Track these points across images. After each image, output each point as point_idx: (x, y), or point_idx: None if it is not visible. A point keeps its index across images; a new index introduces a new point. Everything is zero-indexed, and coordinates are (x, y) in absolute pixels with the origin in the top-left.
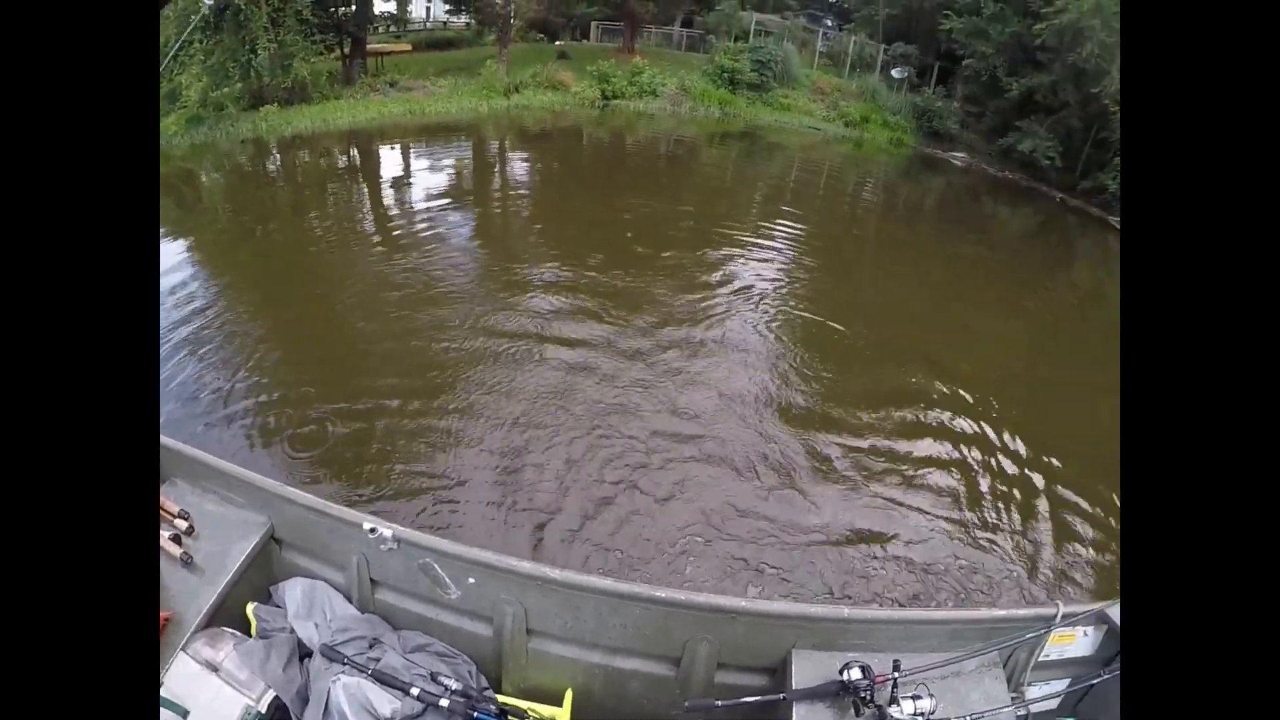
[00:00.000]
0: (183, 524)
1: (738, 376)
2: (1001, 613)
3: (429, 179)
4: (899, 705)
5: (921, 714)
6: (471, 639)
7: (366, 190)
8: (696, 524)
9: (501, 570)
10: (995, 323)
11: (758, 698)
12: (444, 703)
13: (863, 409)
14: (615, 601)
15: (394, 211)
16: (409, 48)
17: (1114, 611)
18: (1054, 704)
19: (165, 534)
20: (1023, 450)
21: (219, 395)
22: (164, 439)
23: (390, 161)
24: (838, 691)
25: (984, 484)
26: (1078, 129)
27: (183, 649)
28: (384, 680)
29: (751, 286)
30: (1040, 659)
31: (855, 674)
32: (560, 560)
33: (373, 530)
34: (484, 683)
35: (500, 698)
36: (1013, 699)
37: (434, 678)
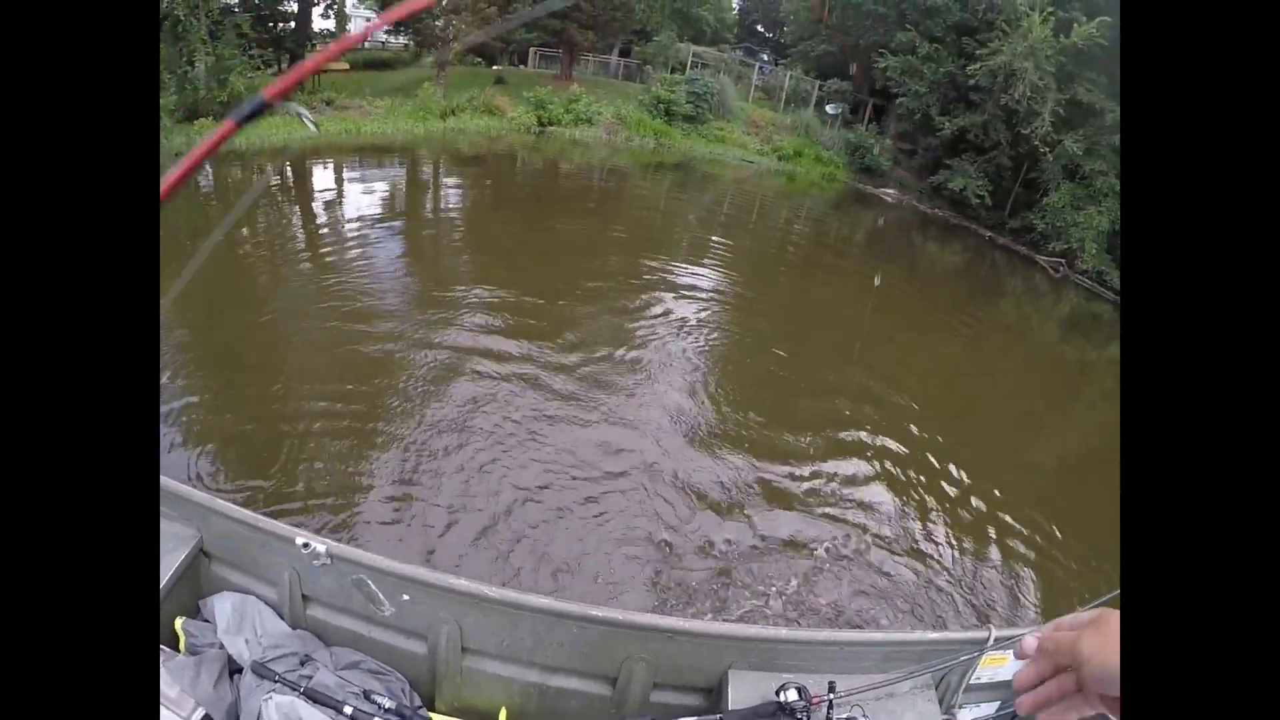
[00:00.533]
0: None
1: (662, 396)
2: (935, 635)
3: (362, 199)
4: None
5: None
6: (406, 656)
7: (298, 209)
8: (622, 541)
9: (437, 588)
10: (925, 352)
11: (694, 718)
12: None
13: (789, 431)
14: (552, 620)
15: (325, 230)
16: (347, 67)
17: None
18: None
19: None
20: (956, 474)
21: None
22: None
23: (323, 180)
24: (774, 712)
25: (912, 506)
26: (1007, 168)
27: None
28: (316, 699)
29: (675, 312)
30: (971, 681)
31: (791, 695)
32: (487, 569)
33: (305, 545)
34: (417, 701)
35: (434, 716)
36: None
37: (367, 696)
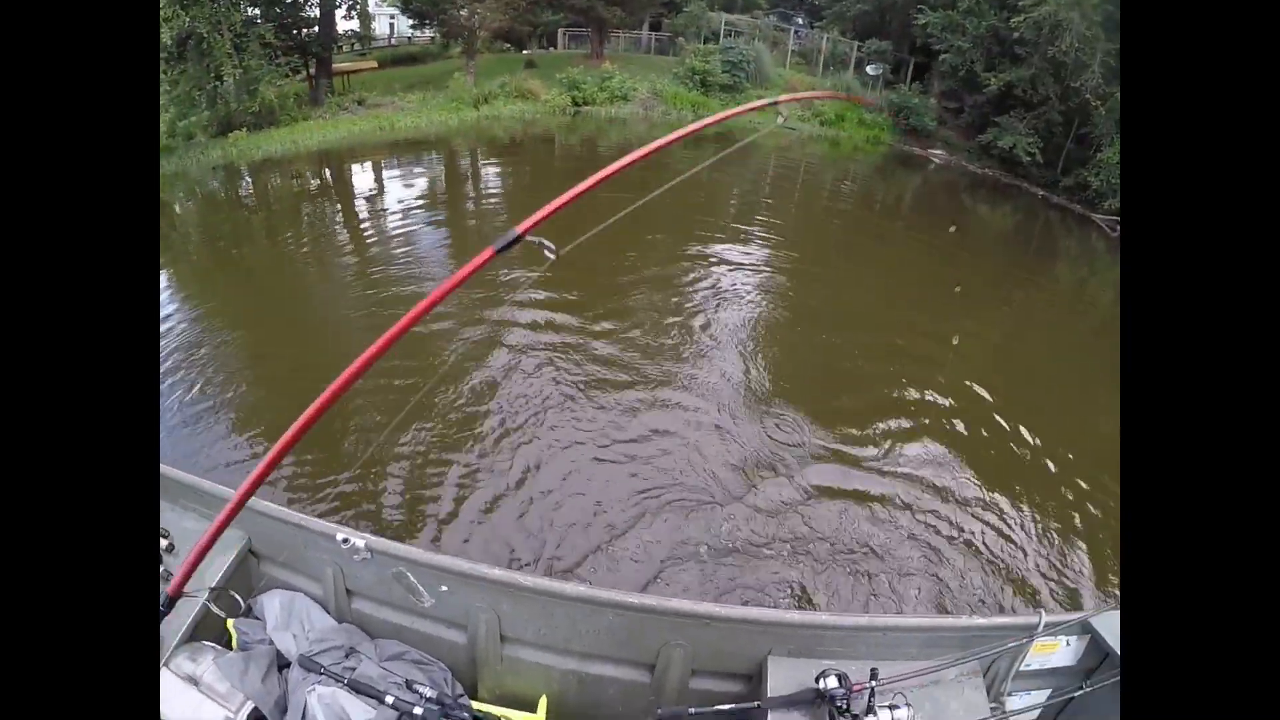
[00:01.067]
0: (164, 542)
1: (714, 371)
2: (982, 620)
3: (402, 193)
4: (875, 715)
5: None
6: (447, 646)
7: (340, 208)
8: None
9: (473, 578)
10: (982, 319)
11: (732, 705)
12: (418, 710)
13: (847, 402)
14: (588, 608)
15: (367, 227)
16: (375, 65)
17: (1098, 622)
18: (1033, 716)
19: None
20: (1016, 448)
21: (194, 415)
22: None
23: (362, 179)
24: (813, 700)
25: (970, 484)
26: (1058, 124)
27: (165, 664)
28: (359, 689)
29: (724, 281)
30: (1021, 669)
31: (831, 682)
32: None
33: (345, 541)
34: (459, 689)
35: (475, 704)
36: (992, 709)
37: (409, 685)
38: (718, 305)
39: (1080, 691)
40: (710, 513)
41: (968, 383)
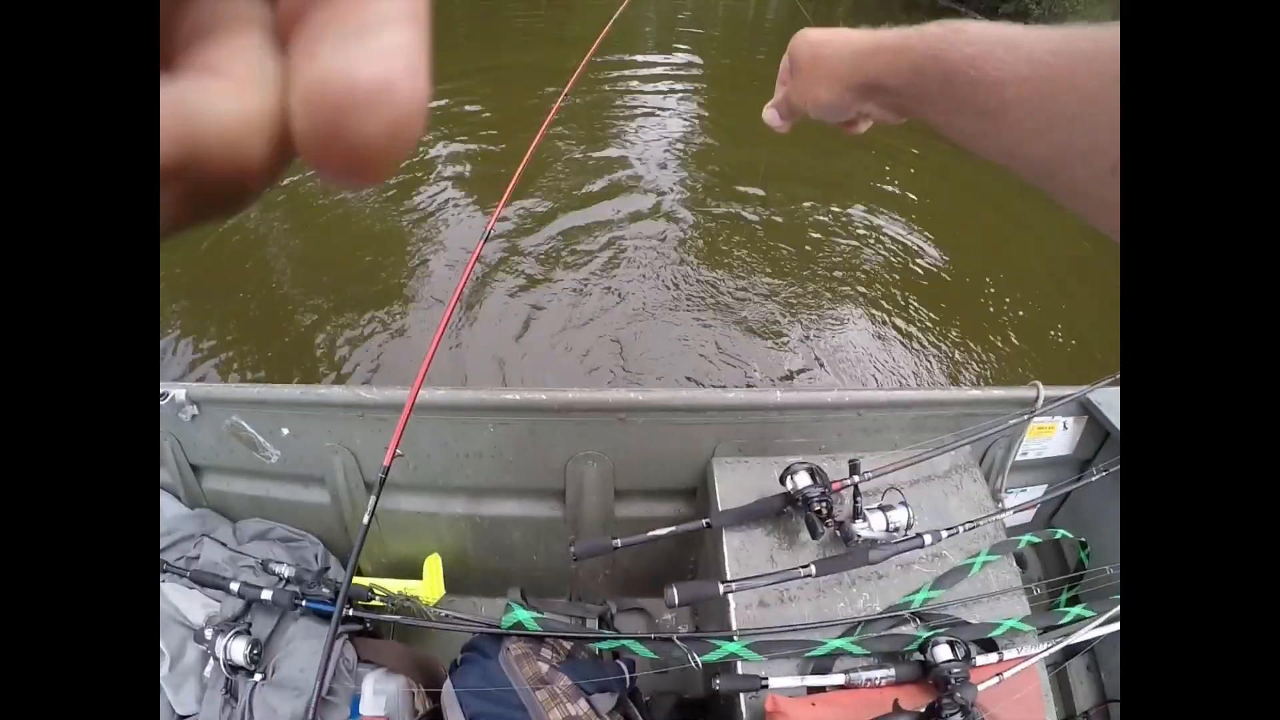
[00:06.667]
0: None
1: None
2: (977, 393)
3: None
4: (866, 520)
5: (896, 528)
6: (311, 512)
7: None
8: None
9: (309, 405)
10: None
11: (671, 529)
12: (266, 595)
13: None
14: (462, 422)
15: None
16: None
17: (1098, 397)
18: (1029, 515)
19: None
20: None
21: None
22: None
23: None
24: (782, 508)
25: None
26: None
27: None
28: (202, 581)
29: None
30: (1018, 458)
31: (802, 480)
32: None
33: (165, 396)
34: (330, 563)
35: (357, 579)
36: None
37: (264, 567)
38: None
39: (1079, 483)
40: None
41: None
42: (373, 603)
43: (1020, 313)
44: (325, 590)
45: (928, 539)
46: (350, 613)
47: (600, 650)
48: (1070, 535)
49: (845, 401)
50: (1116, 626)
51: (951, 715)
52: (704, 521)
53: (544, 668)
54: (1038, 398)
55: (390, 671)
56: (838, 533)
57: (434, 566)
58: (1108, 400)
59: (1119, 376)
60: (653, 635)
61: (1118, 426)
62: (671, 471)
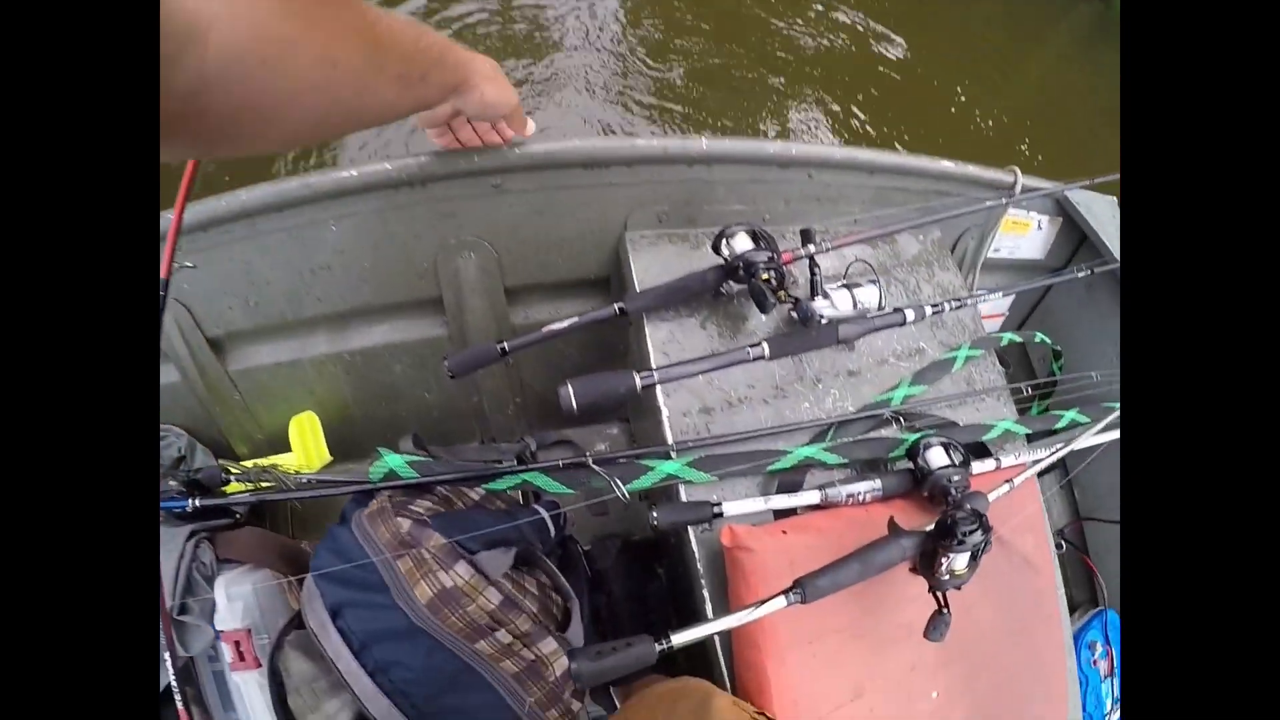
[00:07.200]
0: None
1: None
2: (950, 165)
3: None
4: (828, 298)
5: (865, 310)
6: (169, 397)
7: None
8: None
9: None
10: None
11: (572, 319)
12: None
13: None
14: (290, 226)
15: None
16: None
17: (1076, 197)
18: (996, 324)
19: None
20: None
21: None
22: None
23: None
24: (719, 283)
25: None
26: None
27: None
28: None
29: None
30: (990, 254)
31: (742, 243)
32: None
33: None
34: (198, 459)
35: (230, 466)
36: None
37: None
38: None
39: (1059, 277)
40: None
41: None
42: (231, 486)
43: (990, 122)
44: (173, 484)
45: (909, 314)
46: (198, 503)
47: (509, 493)
48: (1049, 341)
49: (793, 156)
50: (1116, 434)
51: (970, 531)
52: (615, 306)
53: (405, 524)
54: (1015, 183)
55: (254, 568)
56: (794, 314)
57: (303, 427)
58: (1085, 201)
59: (1094, 179)
60: (560, 463)
61: (1095, 229)
62: (574, 255)
